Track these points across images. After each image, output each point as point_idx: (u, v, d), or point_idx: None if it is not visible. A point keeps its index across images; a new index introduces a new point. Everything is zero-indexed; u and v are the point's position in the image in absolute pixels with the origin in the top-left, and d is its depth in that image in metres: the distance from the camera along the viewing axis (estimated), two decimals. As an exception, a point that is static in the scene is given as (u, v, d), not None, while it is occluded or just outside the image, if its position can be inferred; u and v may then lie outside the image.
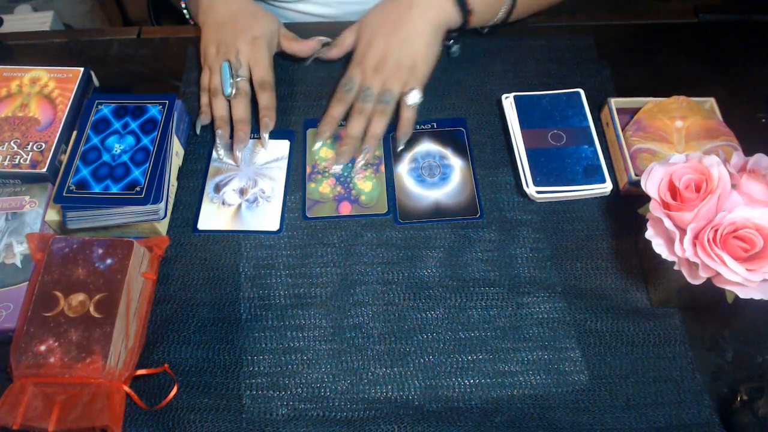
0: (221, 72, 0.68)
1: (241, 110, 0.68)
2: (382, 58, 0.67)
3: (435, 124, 0.70)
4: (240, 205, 0.64)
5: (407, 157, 0.68)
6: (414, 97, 0.66)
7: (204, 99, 0.70)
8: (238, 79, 0.68)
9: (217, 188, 0.66)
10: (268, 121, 0.68)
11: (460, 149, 0.68)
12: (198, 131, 0.69)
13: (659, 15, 0.82)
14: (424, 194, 0.65)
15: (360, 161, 0.66)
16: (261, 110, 0.68)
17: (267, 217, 0.64)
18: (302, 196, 0.65)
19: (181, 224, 0.63)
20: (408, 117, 0.67)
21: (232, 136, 0.68)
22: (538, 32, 0.78)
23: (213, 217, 0.64)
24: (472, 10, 0.69)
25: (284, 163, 0.68)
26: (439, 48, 0.69)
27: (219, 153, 0.67)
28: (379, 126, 0.66)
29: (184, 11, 0.78)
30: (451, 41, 0.75)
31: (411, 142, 0.68)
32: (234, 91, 0.67)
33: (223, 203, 0.65)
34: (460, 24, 0.70)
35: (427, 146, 0.69)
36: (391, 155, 0.68)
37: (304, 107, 0.72)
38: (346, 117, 0.68)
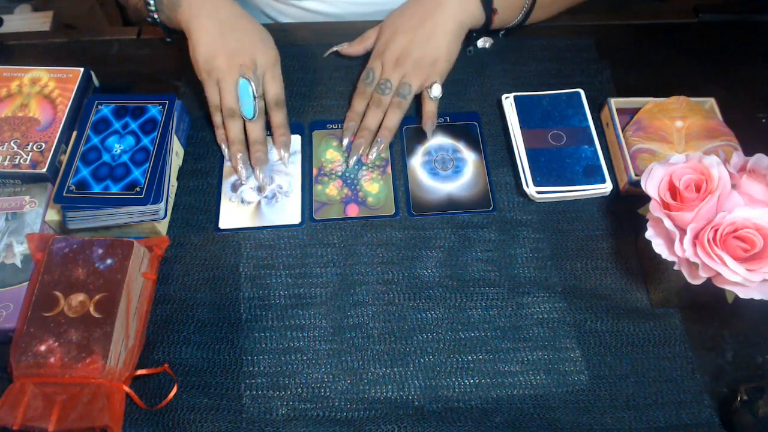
0: (239, 91, 0.64)
1: (260, 131, 0.65)
2: (404, 53, 0.67)
3: (448, 117, 0.70)
4: (259, 203, 0.64)
5: (420, 150, 0.68)
6: (436, 91, 0.67)
7: (217, 119, 0.66)
8: (258, 99, 0.64)
9: (234, 187, 0.66)
10: (285, 139, 0.66)
11: (472, 143, 0.68)
12: (227, 157, 0.66)
13: (659, 15, 0.82)
14: (437, 187, 0.65)
15: (372, 154, 0.66)
16: (276, 128, 0.66)
17: (288, 212, 0.64)
18: (309, 198, 0.65)
19: (181, 224, 0.63)
20: (431, 110, 0.68)
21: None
22: (538, 32, 0.78)
23: (233, 215, 0.64)
24: (497, 11, 0.69)
25: (298, 158, 0.68)
26: (460, 47, 0.69)
27: (242, 178, 0.65)
28: (393, 119, 0.67)
29: (151, 10, 0.68)
30: (476, 40, 0.75)
31: (424, 135, 0.69)
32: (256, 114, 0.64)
33: (242, 201, 0.65)
34: (483, 24, 0.70)
35: (440, 140, 0.69)
36: (404, 149, 0.68)
37: (302, 107, 0.72)
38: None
